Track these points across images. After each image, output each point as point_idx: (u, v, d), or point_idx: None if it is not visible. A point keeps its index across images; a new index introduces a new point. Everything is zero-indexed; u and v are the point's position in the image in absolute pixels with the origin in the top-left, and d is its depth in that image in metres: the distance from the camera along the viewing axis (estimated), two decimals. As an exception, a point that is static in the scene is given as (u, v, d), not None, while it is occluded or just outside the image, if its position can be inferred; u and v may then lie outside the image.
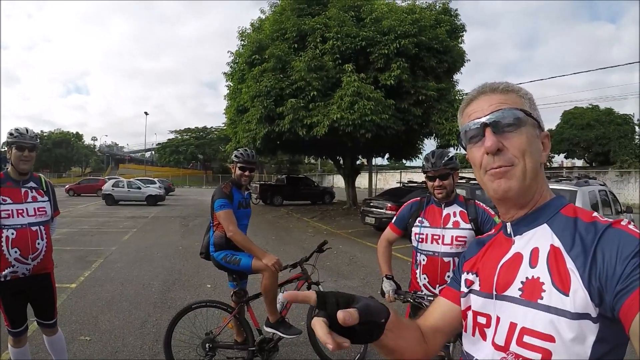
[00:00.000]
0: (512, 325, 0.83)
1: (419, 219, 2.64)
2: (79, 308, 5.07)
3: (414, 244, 2.63)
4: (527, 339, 0.80)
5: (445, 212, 2.58)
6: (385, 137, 14.92)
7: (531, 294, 0.80)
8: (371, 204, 12.30)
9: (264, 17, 18.48)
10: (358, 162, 22.18)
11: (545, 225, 0.86)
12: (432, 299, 2.45)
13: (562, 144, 35.97)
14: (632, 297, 0.67)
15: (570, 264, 0.77)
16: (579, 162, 40.51)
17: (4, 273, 2.66)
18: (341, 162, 20.83)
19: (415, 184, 12.91)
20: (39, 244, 2.82)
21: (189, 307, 3.35)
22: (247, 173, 3.40)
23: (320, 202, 23.92)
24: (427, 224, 2.59)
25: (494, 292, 0.89)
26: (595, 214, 0.83)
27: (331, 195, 25.07)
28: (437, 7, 16.53)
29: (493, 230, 1.04)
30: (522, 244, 0.88)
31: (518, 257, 0.87)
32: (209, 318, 3.54)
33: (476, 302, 0.94)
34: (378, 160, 28.81)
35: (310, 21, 15.29)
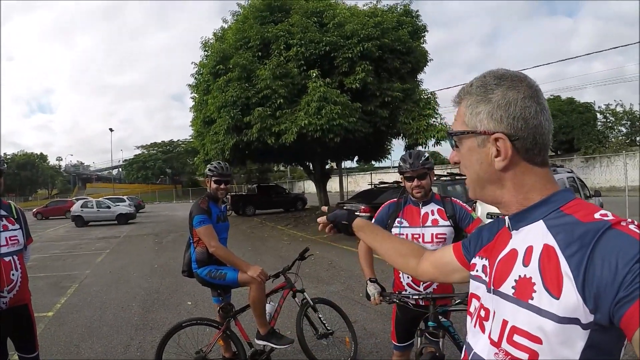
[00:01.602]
0: (504, 323, 0.83)
1: (398, 219, 2.68)
2: (58, 337, 4.92)
3: None
4: (516, 337, 0.80)
5: (423, 211, 2.63)
6: (354, 140, 15.05)
7: (522, 294, 0.80)
8: (344, 208, 12.29)
9: (226, 26, 18.40)
10: (328, 167, 22.26)
11: (541, 222, 0.83)
12: (417, 297, 2.51)
13: (528, 135, 37.22)
14: (635, 305, 0.64)
15: (564, 265, 0.74)
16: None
17: (-20, 308, 2.56)
18: (311, 167, 20.85)
19: (387, 185, 13.08)
20: (13, 274, 2.70)
21: (179, 325, 3.31)
22: (222, 186, 3.41)
23: (293, 209, 23.95)
24: (407, 224, 2.64)
25: (492, 287, 0.90)
26: (598, 212, 0.77)
27: (303, 202, 25.12)
28: (399, 9, 16.82)
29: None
30: (519, 239, 0.87)
31: (514, 253, 0.87)
32: (195, 336, 3.50)
33: (483, 294, 0.95)
34: (347, 163, 29.07)
35: (273, 29, 15.30)
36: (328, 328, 3.75)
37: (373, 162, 23.78)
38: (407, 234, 2.61)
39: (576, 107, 36.02)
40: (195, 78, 18.87)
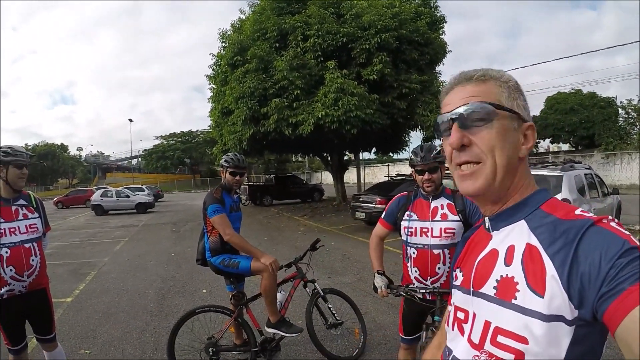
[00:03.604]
0: (487, 324, 0.82)
1: (407, 212, 2.67)
2: (76, 322, 5.07)
3: (404, 237, 2.67)
4: (500, 338, 0.79)
5: (433, 205, 2.61)
6: (371, 132, 14.99)
7: (505, 293, 0.79)
8: (361, 199, 12.36)
9: (244, 17, 18.43)
10: (345, 158, 22.21)
11: (522, 221, 0.83)
12: (424, 291, 2.52)
13: (547, 129, 36.19)
14: (618, 299, 0.64)
15: (547, 263, 0.74)
16: (564, 147, 40.89)
17: (0, 292, 2.68)
18: (328, 158, 20.85)
19: (404, 177, 13.01)
20: (33, 260, 2.83)
21: (192, 311, 3.40)
22: (237, 178, 3.47)
23: (310, 200, 23.91)
24: (416, 218, 2.62)
25: (471, 288, 0.89)
26: (578, 210, 0.78)
27: (320, 193, 25.07)
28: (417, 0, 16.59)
29: (477, 223, 1.02)
30: (499, 240, 0.86)
31: (494, 253, 0.86)
32: (207, 323, 3.58)
33: (457, 297, 0.95)
34: (365, 155, 28.94)
35: (290, 20, 15.25)
36: (337, 318, 3.80)
37: (391, 154, 23.60)
38: (416, 227, 2.60)
39: (597, 101, 34.56)
40: (214, 69, 19.01)
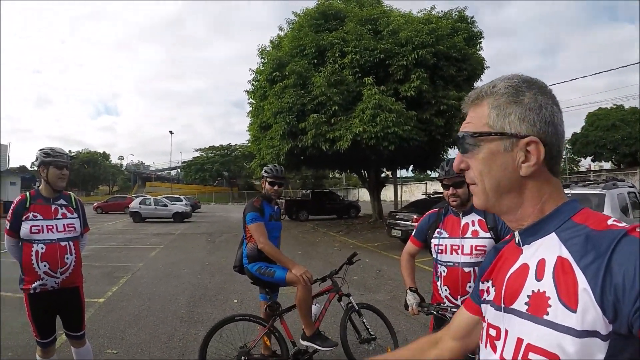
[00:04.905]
0: (519, 341, 0.79)
1: (438, 230, 2.60)
2: (106, 322, 5.15)
3: (434, 255, 2.59)
4: (532, 356, 0.75)
5: (463, 221, 2.52)
6: (409, 149, 14.83)
7: (537, 309, 0.76)
8: (397, 217, 12.20)
9: (282, 34, 18.82)
10: (382, 175, 22.08)
11: (553, 234, 0.79)
12: (455, 310, 2.40)
13: (588, 147, 34.90)
14: None
15: (580, 277, 0.70)
16: (606, 165, 39.28)
17: (33, 286, 2.77)
18: (365, 175, 20.76)
19: (441, 195, 12.73)
20: (67, 258, 2.90)
21: (232, 317, 3.42)
22: (275, 188, 3.59)
23: (346, 216, 23.76)
24: (446, 235, 2.54)
25: (502, 305, 0.85)
26: (610, 220, 0.75)
27: (357, 209, 24.92)
28: (454, 15, 16.55)
29: (508, 237, 0.98)
30: (530, 254, 0.83)
31: (525, 268, 0.82)
32: (237, 332, 3.55)
33: (490, 313, 0.91)
34: (403, 172, 28.68)
35: (328, 36, 15.47)
36: (371, 333, 3.71)
37: (428, 172, 23.28)
38: (446, 245, 2.51)
39: (640, 117, 33.15)
40: (253, 84, 19.42)
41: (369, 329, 3.71)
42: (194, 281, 7.62)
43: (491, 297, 0.91)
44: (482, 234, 2.43)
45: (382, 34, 15.09)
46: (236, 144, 67.48)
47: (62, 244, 2.90)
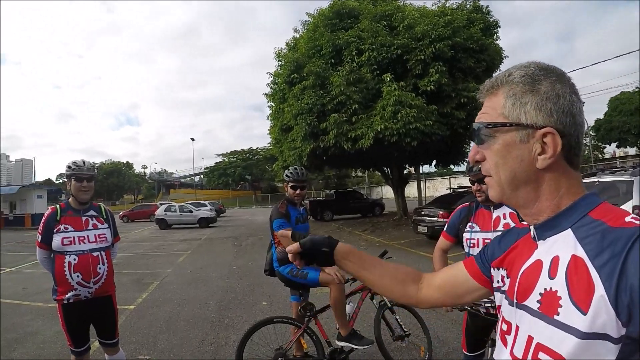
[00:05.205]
0: (530, 339, 0.77)
1: (469, 224, 2.59)
2: (138, 328, 5.24)
3: (466, 249, 2.57)
4: (542, 355, 0.73)
5: (495, 214, 2.51)
6: (431, 144, 14.68)
7: (548, 308, 0.73)
8: (422, 213, 12.07)
9: (298, 35, 18.87)
10: (405, 171, 21.88)
11: (569, 230, 0.76)
12: (488, 305, 2.36)
13: (612, 133, 33.71)
14: None
15: (594, 276, 0.67)
16: (631, 151, 37.95)
17: (66, 296, 2.82)
18: (388, 172, 20.63)
19: (466, 189, 12.56)
20: (100, 268, 2.95)
21: (270, 319, 3.43)
22: (298, 191, 3.58)
23: (371, 215, 23.68)
24: (478, 229, 2.53)
25: (515, 300, 0.83)
26: (629, 217, 0.71)
27: (381, 207, 24.82)
28: (468, 6, 16.31)
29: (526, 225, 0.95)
30: (544, 250, 0.80)
31: (539, 264, 0.80)
32: (270, 333, 3.56)
33: (505, 307, 0.89)
34: (425, 168, 28.39)
35: (344, 35, 15.41)
36: (405, 330, 3.69)
37: (451, 166, 22.97)
38: (478, 239, 2.50)
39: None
40: (271, 87, 19.48)
41: (403, 326, 3.69)
42: (223, 285, 7.70)
43: (506, 287, 0.89)
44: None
45: (397, 29, 14.96)
46: (257, 148, 68.12)
47: (94, 254, 2.95)
